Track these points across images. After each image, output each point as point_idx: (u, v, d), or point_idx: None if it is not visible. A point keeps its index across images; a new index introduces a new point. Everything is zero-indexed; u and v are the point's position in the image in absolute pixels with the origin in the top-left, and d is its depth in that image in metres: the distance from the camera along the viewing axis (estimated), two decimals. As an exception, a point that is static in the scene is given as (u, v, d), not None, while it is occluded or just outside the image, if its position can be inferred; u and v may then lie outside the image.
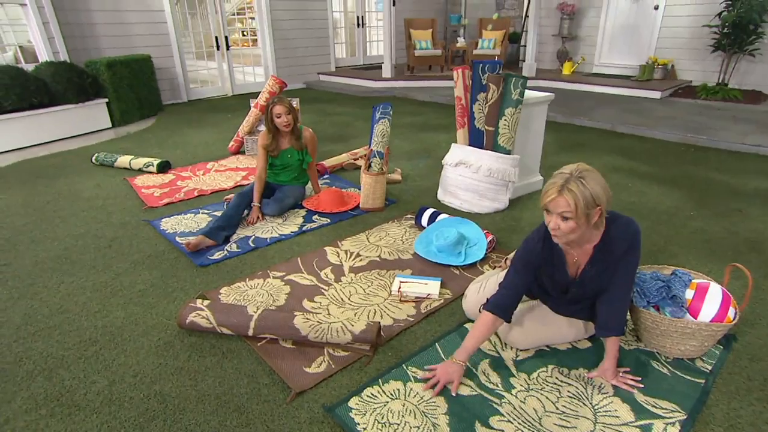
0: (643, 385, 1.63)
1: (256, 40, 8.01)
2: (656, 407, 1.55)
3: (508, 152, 3.05)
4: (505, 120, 2.98)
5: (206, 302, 1.97)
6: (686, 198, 3.35)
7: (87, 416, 1.54)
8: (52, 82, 4.86)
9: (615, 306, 1.62)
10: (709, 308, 1.66)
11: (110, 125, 5.42)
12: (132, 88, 5.64)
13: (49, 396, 1.63)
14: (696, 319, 1.68)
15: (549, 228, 1.49)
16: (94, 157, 4.10)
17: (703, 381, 1.67)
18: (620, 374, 1.65)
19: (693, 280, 1.75)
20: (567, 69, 8.06)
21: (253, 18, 8.26)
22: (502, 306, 1.64)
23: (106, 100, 5.34)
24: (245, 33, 11.44)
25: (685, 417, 1.51)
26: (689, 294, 1.71)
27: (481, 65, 3.01)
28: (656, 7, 7.26)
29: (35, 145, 4.73)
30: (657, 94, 6.56)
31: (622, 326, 1.62)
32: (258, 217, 2.95)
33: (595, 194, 1.39)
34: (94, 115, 5.25)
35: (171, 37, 6.57)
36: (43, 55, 5.26)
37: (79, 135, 5.10)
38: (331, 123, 5.64)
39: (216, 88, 7.44)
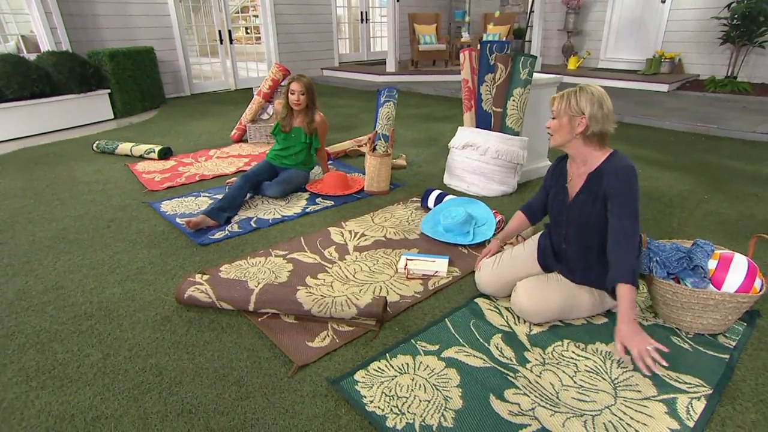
0: (667, 364, 1.44)
1: (259, 37, 7.96)
2: (679, 381, 1.47)
3: (517, 134, 2.97)
4: (514, 101, 2.90)
5: (206, 277, 1.90)
6: (699, 183, 3.26)
7: (79, 388, 1.47)
8: (54, 72, 4.81)
9: (619, 251, 1.51)
10: (734, 278, 1.58)
11: (112, 116, 5.37)
12: (134, 79, 5.59)
13: (40, 368, 1.55)
14: (719, 290, 1.60)
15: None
16: (94, 145, 4.04)
17: (728, 356, 1.58)
18: (647, 348, 1.41)
19: (716, 251, 1.66)
20: (572, 64, 7.98)
21: (256, 16, 8.22)
22: (528, 206, 1.99)
23: (109, 90, 5.29)
24: (248, 30, 11.44)
25: (711, 391, 1.43)
26: (712, 264, 1.63)
27: (488, 45, 2.94)
28: (663, 1, 7.17)
29: (36, 135, 4.69)
30: (664, 87, 6.47)
31: (630, 274, 1.48)
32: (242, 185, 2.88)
33: (581, 104, 1.56)
34: (96, 105, 5.20)
35: (174, 30, 6.54)
36: (45, 45, 5.23)
37: (80, 125, 5.05)
38: (335, 114, 5.58)
39: (219, 82, 7.40)
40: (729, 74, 6.65)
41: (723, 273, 1.60)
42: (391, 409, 1.36)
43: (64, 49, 5.27)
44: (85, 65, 5.05)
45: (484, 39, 7.82)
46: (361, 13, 8.99)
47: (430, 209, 2.74)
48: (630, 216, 1.52)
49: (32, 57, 4.91)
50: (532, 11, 8.02)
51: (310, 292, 1.80)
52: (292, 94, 2.97)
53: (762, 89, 6.26)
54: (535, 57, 2.84)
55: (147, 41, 6.25)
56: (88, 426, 1.33)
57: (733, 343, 1.64)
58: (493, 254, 1.99)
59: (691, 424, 1.31)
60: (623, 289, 1.48)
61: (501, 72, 2.89)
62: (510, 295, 1.87)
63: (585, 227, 1.65)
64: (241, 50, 7.88)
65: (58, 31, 5.29)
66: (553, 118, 1.64)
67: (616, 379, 1.48)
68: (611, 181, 1.54)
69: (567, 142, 1.63)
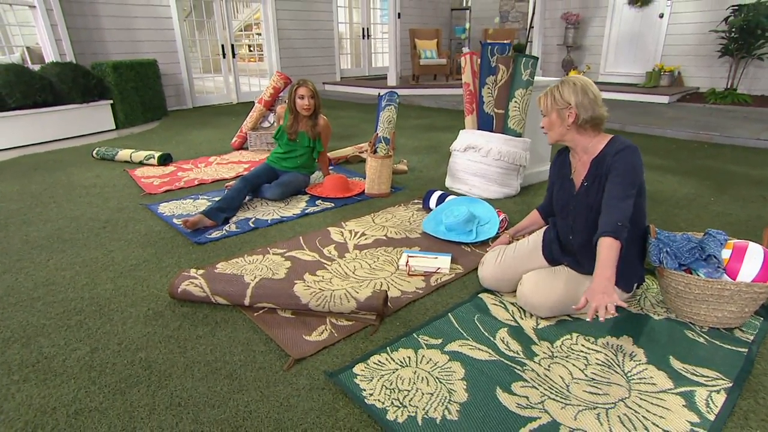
0: (615, 313, 1.30)
1: (262, 55, 8.05)
2: (696, 375, 1.39)
3: (519, 135, 2.94)
4: (516, 102, 2.88)
5: (200, 271, 1.84)
6: (703, 187, 3.21)
7: (64, 381, 1.39)
8: (57, 82, 4.83)
9: (606, 211, 1.49)
10: (749, 268, 1.51)
11: (114, 127, 5.37)
12: (137, 91, 5.62)
13: (24, 362, 1.48)
14: (734, 280, 1.53)
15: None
16: (94, 152, 4.03)
17: (746, 350, 1.50)
18: (606, 304, 1.31)
19: (729, 240, 1.60)
20: (572, 78, 8.02)
21: (259, 34, 8.31)
22: (543, 207, 1.96)
23: (111, 101, 5.31)
24: (251, 48, 11.62)
25: (730, 385, 1.35)
26: (725, 254, 1.56)
27: (490, 47, 2.94)
28: (661, 15, 7.26)
29: (38, 144, 4.68)
30: (665, 99, 6.48)
31: (611, 226, 1.44)
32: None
33: (564, 96, 1.57)
34: (98, 116, 5.21)
35: (177, 44, 6.61)
36: (50, 57, 5.27)
37: (82, 135, 5.05)
38: (337, 125, 5.58)
39: (221, 95, 7.45)
40: (729, 86, 6.67)
41: (738, 263, 1.54)
42: (392, 402, 1.29)
43: (68, 61, 5.31)
44: (88, 76, 5.08)
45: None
46: (363, 29, 9.12)
47: (432, 210, 2.68)
48: (622, 184, 1.49)
49: (36, 68, 4.94)
50: (531, 27, 8.12)
51: (308, 286, 1.74)
52: (301, 98, 2.93)
53: (762, 101, 6.26)
54: (537, 58, 2.83)
55: (151, 55, 6.31)
56: (70, 419, 1.26)
57: (751, 337, 1.56)
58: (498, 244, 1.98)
59: (711, 417, 1.23)
60: (603, 243, 1.44)
61: (503, 73, 2.88)
62: (514, 291, 1.81)
63: (592, 214, 1.60)
64: (244, 68, 7.94)
65: (63, 43, 5.34)
66: (544, 116, 1.65)
67: (629, 372, 1.40)
68: (611, 160, 1.53)
69: (563, 136, 1.64)
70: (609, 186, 1.52)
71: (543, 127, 1.68)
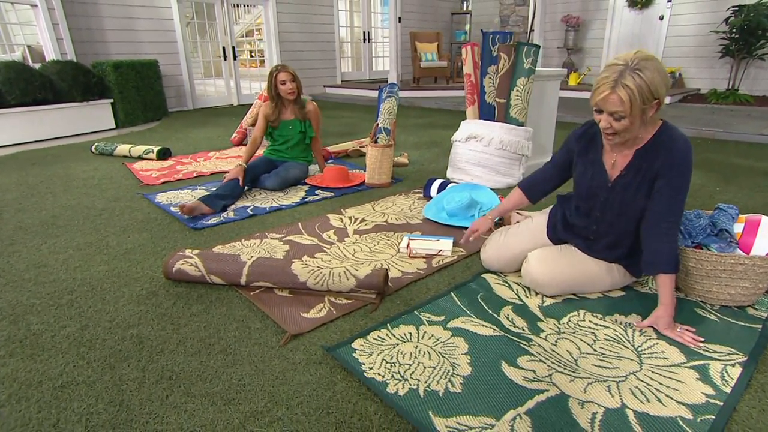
0: (703, 339, 1.36)
1: (263, 61, 8.06)
2: (708, 351, 1.33)
3: (521, 124, 2.90)
4: (518, 90, 2.85)
5: (196, 251, 1.79)
6: (709, 178, 3.16)
7: (51, 356, 1.34)
8: (57, 80, 4.82)
9: (661, 237, 1.39)
10: (764, 242, 1.46)
11: (114, 126, 5.35)
12: (138, 90, 5.61)
13: (11, 338, 1.43)
14: (748, 255, 1.48)
15: (601, 128, 1.36)
16: (93, 147, 4.00)
17: (760, 326, 1.45)
18: (679, 329, 1.39)
19: (741, 215, 1.55)
20: (573, 80, 8.03)
21: (261, 39, 8.34)
22: (529, 183, 1.73)
23: (111, 100, 5.30)
24: (253, 54, 11.67)
25: (745, 359, 1.29)
26: (738, 228, 1.51)
27: (491, 36, 2.92)
28: (661, 17, 7.28)
29: (37, 141, 4.65)
30: (666, 99, 6.46)
31: (673, 262, 1.38)
32: (239, 178, 2.70)
33: (653, 87, 1.23)
34: (98, 114, 5.20)
35: (179, 45, 6.62)
36: (51, 55, 5.27)
37: (82, 134, 5.03)
38: (338, 124, 5.57)
39: (222, 97, 7.45)
40: (730, 87, 6.65)
41: (750, 237, 1.49)
42: (393, 376, 1.23)
43: (69, 59, 5.31)
44: (88, 74, 5.07)
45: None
46: (363, 33, 9.15)
47: (433, 198, 2.64)
48: (678, 197, 1.36)
49: (37, 66, 4.94)
50: (531, 30, 8.15)
51: (306, 264, 1.69)
52: (282, 84, 2.86)
53: (764, 101, 6.24)
54: (539, 46, 2.81)
55: (152, 56, 6.31)
56: (56, 391, 1.20)
57: (765, 315, 1.51)
58: (481, 233, 1.79)
59: (727, 389, 1.17)
60: (666, 278, 1.39)
61: (504, 62, 2.85)
62: (517, 271, 1.76)
63: (625, 210, 1.47)
64: (245, 73, 7.96)
65: (64, 42, 5.34)
66: (622, 119, 1.28)
67: (640, 347, 1.35)
68: (667, 158, 1.34)
69: (635, 135, 1.36)
70: (668, 197, 1.35)
71: (610, 128, 1.31)
